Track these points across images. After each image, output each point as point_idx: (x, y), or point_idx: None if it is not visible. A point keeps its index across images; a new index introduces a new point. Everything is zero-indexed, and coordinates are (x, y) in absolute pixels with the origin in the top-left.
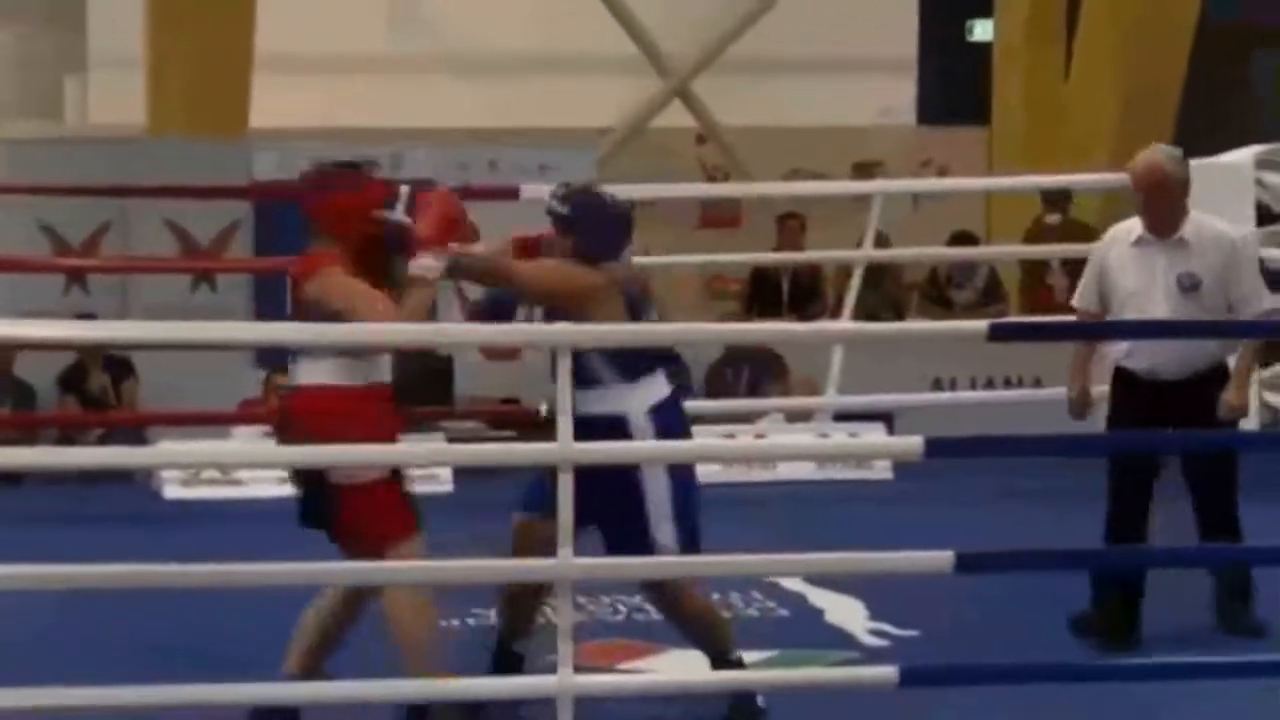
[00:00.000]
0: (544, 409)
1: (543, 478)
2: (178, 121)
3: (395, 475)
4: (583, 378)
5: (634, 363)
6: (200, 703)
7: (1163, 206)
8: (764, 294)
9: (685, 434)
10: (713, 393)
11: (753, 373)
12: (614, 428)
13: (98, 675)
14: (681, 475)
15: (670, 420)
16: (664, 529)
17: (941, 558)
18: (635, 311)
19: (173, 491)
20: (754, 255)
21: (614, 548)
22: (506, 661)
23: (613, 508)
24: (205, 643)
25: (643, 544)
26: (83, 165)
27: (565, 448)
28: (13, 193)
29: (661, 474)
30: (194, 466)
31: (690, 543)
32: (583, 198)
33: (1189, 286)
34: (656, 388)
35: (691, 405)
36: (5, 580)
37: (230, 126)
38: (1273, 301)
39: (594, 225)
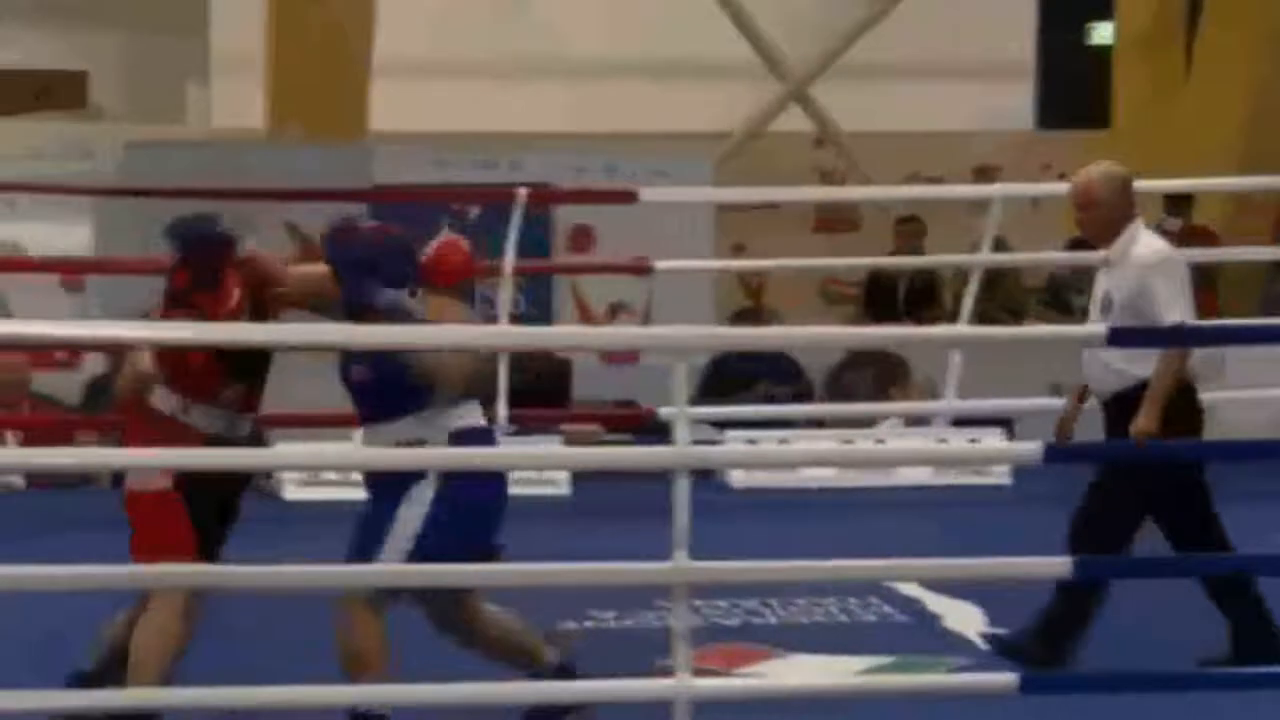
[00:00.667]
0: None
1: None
2: (297, 125)
3: (183, 493)
4: (418, 402)
5: None
6: (206, 706)
7: (1089, 222)
8: (880, 297)
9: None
10: (834, 396)
11: (878, 376)
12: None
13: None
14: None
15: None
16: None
17: (1059, 564)
18: None
19: (293, 493)
20: (867, 259)
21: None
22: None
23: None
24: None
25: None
26: (203, 168)
27: (682, 451)
28: (134, 195)
29: (424, 504)
30: (312, 468)
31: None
32: (346, 234)
33: (1105, 307)
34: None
35: (812, 409)
36: (117, 580)
37: (349, 130)
38: None
39: (358, 266)
